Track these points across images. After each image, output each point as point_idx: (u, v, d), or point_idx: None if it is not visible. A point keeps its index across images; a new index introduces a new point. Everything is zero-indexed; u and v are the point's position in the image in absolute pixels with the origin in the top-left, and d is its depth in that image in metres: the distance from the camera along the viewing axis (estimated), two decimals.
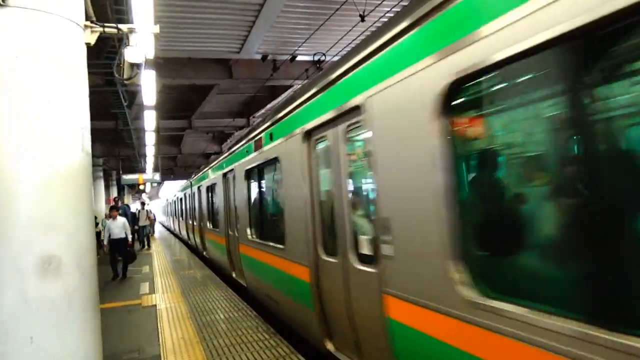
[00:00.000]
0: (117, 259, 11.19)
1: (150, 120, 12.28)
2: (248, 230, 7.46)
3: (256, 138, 6.65)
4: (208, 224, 12.36)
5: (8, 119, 3.32)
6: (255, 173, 7.27)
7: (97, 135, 21.96)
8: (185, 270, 11.66)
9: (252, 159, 6.96)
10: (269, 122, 5.99)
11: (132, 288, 9.70)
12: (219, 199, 10.34)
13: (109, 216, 11.29)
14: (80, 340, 3.52)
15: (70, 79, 3.69)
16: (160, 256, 15.67)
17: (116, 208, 11.67)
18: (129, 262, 11.37)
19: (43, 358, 3.29)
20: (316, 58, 9.14)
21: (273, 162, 5.93)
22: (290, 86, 14.11)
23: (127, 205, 14.98)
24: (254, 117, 19.30)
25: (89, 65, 3.95)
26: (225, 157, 9.27)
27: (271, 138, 5.89)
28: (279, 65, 11.06)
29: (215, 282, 9.56)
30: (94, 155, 16.46)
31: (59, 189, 3.48)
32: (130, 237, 11.25)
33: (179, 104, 17.93)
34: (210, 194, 11.88)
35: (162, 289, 9.21)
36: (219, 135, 21.54)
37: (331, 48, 9.44)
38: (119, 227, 10.98)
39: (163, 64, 10.54)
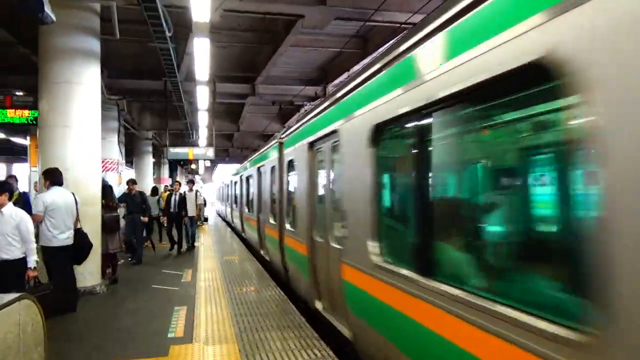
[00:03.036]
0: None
1: (202, 54, 8.34)
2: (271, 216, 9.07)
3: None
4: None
5: None
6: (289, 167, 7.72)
7: (146, 104, 18.82)
8: (241, 287, 7.82)
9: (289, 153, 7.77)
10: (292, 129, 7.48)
11: (159, 316, 5.95)
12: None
13: None
14: None
15: None
16: (207, 254, 12.02)
17: None
18: None
19: None
20: None
21: (291, 164, 7.39)
22: (397, 30, 9.89)
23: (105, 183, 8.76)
24: (330, 85, 15.29)
25: None
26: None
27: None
28: None
29: (292, 320, 5.62)
30: (143, 128, 12.87)
31: None
32: (33, 260, 4.93)
33: (241, 62, 14.14)
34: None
35: (205, 330, 5.35)
36: (286, 106, 17.69)
37: None
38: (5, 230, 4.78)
39: None
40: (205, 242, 15.11)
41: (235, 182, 18.18)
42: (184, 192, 13.26)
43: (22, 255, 4.90)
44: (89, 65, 7.08)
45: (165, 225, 13.43)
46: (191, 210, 13.02)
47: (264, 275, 8.97)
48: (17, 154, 27.52)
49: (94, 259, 7.05)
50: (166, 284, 8.10)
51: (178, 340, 5.01)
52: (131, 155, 23.72)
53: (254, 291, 7.48)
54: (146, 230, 11.93)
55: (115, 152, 14.51)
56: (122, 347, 4.86)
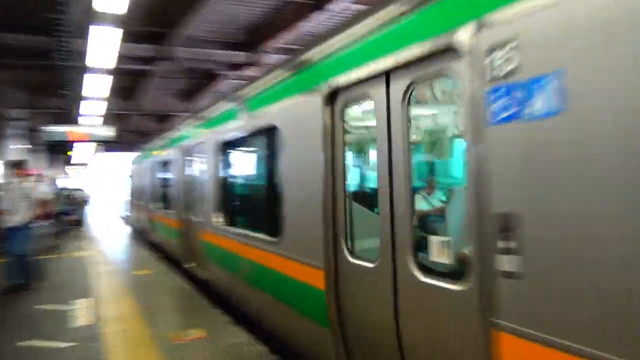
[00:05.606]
0: None
1: None
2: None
3: None
4: None
5: None
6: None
7: (20, 75, 13.46)
8: (179, 331, 4.94)
9: None
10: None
11: None
12: None
13: None
14: None
15: None
16: (107, 267, 8.63)
17: None
18: None
19: None
20: None
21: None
22: None
23: None
24: (261, 49, 12.43)
25: None
26: None
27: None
28: None
29: None
30: (6, 106, 7.77)
31: None
32: None
33: (155, 14, 10.66)
34: None
35: None
36: (203, 76, 14.40)
37: None
38: None
39: None
40: (104, 247, 11.51)
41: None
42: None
43: None
44: None
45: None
46: (17, 215, 7.10)
47: (201, 302, 6.10)
48: None
49: None
50: (48, 335, 4.90)
51: None
52: None
53: (204, 338, 4.68)
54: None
55: None
56: None
